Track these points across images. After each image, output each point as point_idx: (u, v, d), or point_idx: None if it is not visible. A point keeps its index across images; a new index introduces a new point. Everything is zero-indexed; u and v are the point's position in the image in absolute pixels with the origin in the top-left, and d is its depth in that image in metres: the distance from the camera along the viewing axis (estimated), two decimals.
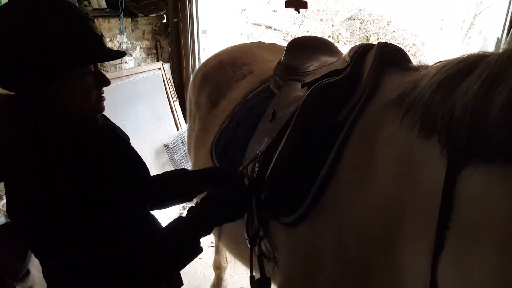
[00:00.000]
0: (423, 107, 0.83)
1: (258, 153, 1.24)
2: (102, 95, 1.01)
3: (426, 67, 0.98)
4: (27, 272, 1.87)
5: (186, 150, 3.56)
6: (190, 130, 2.03)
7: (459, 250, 0.73)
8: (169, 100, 3.66)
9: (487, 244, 0.68)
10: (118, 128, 1.18)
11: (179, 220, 1.07)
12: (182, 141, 3.56)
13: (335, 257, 1.00)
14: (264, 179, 1.17)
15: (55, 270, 1.01)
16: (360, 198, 0.96)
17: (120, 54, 1.01)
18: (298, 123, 1.12)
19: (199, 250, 1.06)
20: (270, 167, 1.15)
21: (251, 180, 1.24)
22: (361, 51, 1.14)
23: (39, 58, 0.86)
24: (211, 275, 2.57)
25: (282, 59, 1.48)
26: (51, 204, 0.87)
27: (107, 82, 0.99)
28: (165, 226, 1.08)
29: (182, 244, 1.03)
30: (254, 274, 1.23)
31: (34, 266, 1.91)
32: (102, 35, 0.97)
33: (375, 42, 1.15)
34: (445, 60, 0.87)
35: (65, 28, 0.89)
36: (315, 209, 1.05)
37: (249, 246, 1.24)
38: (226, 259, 2.50)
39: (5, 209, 2.15)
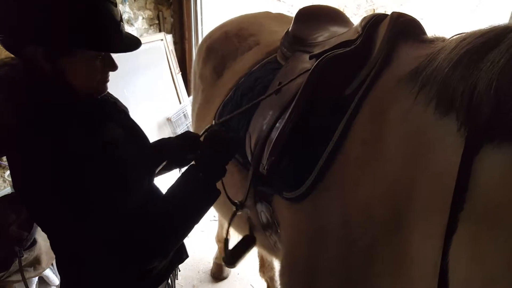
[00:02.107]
0: (440, 83, 0.78)
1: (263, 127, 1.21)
2: (107, 78, 0.99)
3: (442, 39, 0.93)
4: (34, 241, 1.90)
5: (189, 124, 3.54)
6: (194, 103, 2.00)
7: (473, 233, 0.70)
8: (171, 72, 3.60)
9: (506, 228, 0.65)
10: (118, 100, 1.17)
11: (188, 169, 1.07)
12: (184, 115, 3.53)
13: (339, 235, 0.98)
14: (267, 153, 1.15)
15: (60, 245, 1.02)
16: (367, 176, 0.93)
17: (133, 46, 0.97)
18: (303, 95, 1.08)
19: (217, 192, 1.07)
20: (273, 140, 1.12)
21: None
22: (374, 21, 1.09)
23: (51, 33, 0.85)
24: (214, 248, 2.60)
25: (290, 29, 1.42)
26: (54, 180, 0.85)
27: (114, 68, 0.97)
28: (177, 179, 1.07)
29: (198, 189, 1.04)
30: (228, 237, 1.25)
31: (41, 236, 1.93)
32: (121, 20, 0.94)
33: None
34: (465, 33, 0.81)
35: (83, 8, 0.86)
36: (320, 185, 1.03)
37: (234, 209, 1.23)
38: (229, 233, 2.53)
39: (10, 179, 2.16)
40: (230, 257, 1.21)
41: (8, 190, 2.24)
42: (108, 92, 1.11)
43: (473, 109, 0.71)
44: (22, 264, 1.81)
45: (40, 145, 0.86)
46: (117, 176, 0.94)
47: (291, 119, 1.08)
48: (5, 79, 0.89)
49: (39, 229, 1.91)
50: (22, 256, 1.81)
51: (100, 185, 0.89)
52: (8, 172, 2.22)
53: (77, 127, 0.91)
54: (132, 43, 0.97)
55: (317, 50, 1.20)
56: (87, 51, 0.89)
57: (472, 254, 0.70)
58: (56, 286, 2.08)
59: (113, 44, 0.92)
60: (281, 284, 1.21)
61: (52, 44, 0.86)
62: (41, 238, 1.95)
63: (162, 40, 3.56)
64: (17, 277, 1.82)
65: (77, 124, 0.91)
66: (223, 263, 2.54)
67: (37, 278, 2.00)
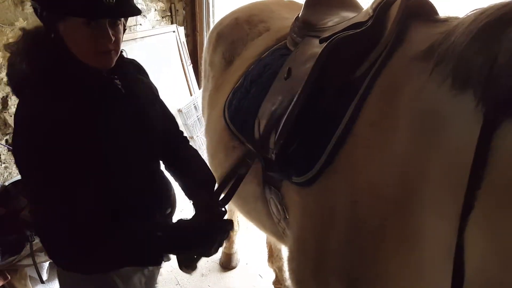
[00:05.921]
0: (457, 58, 0.75)
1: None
2: (106, 50, 0.94)
3: (456, 18, 0.91)
4: None
5: (199, 115, 3.55)
6: (204, 91, 1.99)
7: (491, 212, 0.67)
8: (182, 64, 3.61)
9: None
10: (145, 84, 1.25)
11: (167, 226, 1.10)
12: (195, 106, 3.53)
13: (348, 217, 0.97)
14: (275, 138, 1.13)
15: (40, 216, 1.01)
16: (377, 157, 0.91)
17: (117, 13, 0.92)
18: (311, 78, 1.06)
19: (159, 262, 1.04)
20: (281, 124, 1.10)
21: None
22: (385, 2, 1.06)
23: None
24: None
25: (300, 14, 1.40)
26: (30, 142, 0.90)
27: (107, 39, 0.92)
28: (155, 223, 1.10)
29: (152, 248, 1.02)
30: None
31: None
32: None
33: None
34: (483, 7, 0.77)
35: None
36: (329, 169, 1.01)
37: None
38: (238, 222, 2.53)
39: None
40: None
41: (20, 176, 2.27)
42: (143, 71, 1.14)
43: (492, 83, 0.67)
44: (33, 249, 1.84)
45: (25, 108, 0.92)
46: (94, 153, 0.95)
47: (298, 103, 1.07)
48: (26, 46, 0.97)
49: None
50: (34, 241, 1.84)
51: (71, 158, 0.90)
52: None
53: (68, 95, 0.93)
54: (117, 10, 0.90)
55: (327, 34, 1.18)
56: (73, 17, 0.89)
57: (489, 235, 0.68)
58: None
59: (86, 9, 0.87)
60: (290, 269, 1.20)
61: (41, 5, 0.91)
62: None
63: (174, 32, 3.56)
64: (28, 261, 1.85)
65: (69, 93, 0.94)
66: (232, 253, 2.57)
67: (47, 263, 2.02)
